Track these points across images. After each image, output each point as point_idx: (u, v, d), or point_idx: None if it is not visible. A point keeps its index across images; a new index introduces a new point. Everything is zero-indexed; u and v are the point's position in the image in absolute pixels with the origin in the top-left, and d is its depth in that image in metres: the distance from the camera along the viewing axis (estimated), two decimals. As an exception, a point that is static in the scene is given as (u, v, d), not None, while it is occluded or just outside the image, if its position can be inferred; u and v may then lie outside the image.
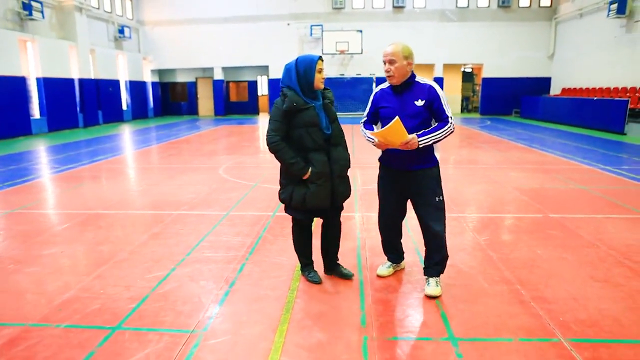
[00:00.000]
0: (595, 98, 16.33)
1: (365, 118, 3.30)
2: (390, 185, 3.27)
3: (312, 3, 22.83)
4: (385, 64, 3.03)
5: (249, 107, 26.46)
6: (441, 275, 3.29)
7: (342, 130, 3.22)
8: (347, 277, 3.44)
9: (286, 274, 3.57)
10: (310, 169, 3.04)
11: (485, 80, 23.43)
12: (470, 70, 27.54)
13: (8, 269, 3.73)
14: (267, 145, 3.09)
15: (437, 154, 3.18)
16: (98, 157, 10.01)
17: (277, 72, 23.56)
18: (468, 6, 22.58)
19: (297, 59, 3.07)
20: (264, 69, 24.65)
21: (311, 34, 22.65)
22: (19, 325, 2.82)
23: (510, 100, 23.04)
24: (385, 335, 2.69)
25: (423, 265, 3.34)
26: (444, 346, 2.56)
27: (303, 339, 2.64)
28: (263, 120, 21.66)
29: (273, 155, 3.09)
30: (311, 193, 3.05)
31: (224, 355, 2.50)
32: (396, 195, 3.27)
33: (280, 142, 3.05)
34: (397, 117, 2.86)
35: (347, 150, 3.24)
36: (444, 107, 3.02)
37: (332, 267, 3.50)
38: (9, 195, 6.40)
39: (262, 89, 27.08)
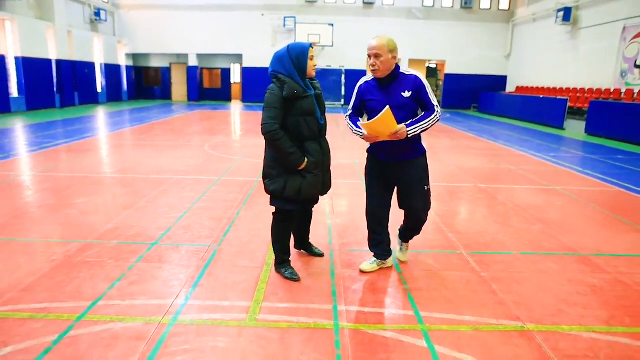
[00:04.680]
0: (541, 96, 18.10)
1: (351, 111, 3.26)
2: (378, 176, 3.27)
3: (286, -5, 23.78)
4: (370, 57, 3.00)
5: (222, 94, 27.17)
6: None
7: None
8: (317, 255, 3.67)
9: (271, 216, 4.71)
10: (306, 159, 3.00)
11: (447, 76, 25.03)
12: (434, 66, 29.15)
13: (50, 211, 4.73)
14: (265, 133, 2.92)
15: (424, 144, 3.23)
16: (87, 134, 10.81)
17: (250, 61, 24.45)
18: (433, 5, 24.03)
19: (288, 46, 3.02)
20: (238, 57, 25.42)
21: (284, 25, 23.58)
22: (80, 241, 3.87)
23: (470, 96, 24.74)
24: (345, 248, 3.91)
25: (398, 229, 3.62)
26: (384, 254, 3.80)
27: (288, 250, 3.82)
28: (235, 107, 22.53)
29: (270, 144, 2.97)
30: (308, 183, 3.00)
31: (235, 257, 3.65)
32: (384, 186, 3.28)
33: (280, 130, 2.91)
34: (387, 106, 2.85)
35: None
36: (430, 96, 3.02)
37: (304, 245, 3.70)
38: (21, 163, 7.25)
39: (235, 77, 27.83)
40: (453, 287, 3.22)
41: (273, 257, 3.49)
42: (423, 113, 3.06)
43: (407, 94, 3.02)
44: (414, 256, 3.77)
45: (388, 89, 3.08)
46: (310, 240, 3.74)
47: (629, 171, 8.03)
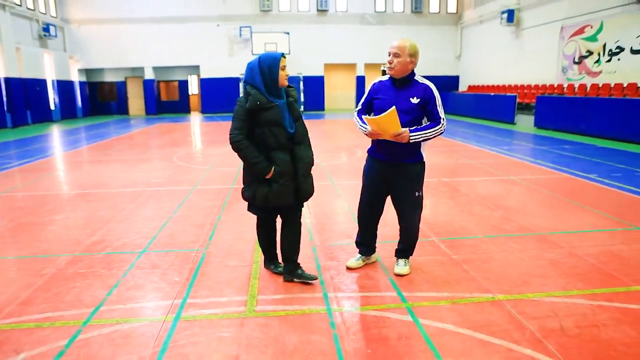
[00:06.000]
0: (492, 94, 19.07)
1: (360, 107, 3.33)
2: (374, 176, 3.35)
3: (240, 5, 23.91)
4: (389, 55, 3.10)
5: (181, 106, 26.92)
6: (410, 257, 3.58)
7: (305, 128, 3.21)
8: (309, 279, 3.32)
9: (254, 218, 4.91)
10: (273, 168, 3.04)
11: (402, 78, 25.81)
12: (389, 69, 29.99)
13: (30, 228, 4.74)
14: (230, 143, 3.04)
15: (424, 151, 3.29)
16: (48, 153, 10.60)
17: (208, 72, 24.42)
18: (385, 11, 24.83)
19: (259, 57, 3.05)
20: (195, 69, 25.31)
21: (240, 35, 23.72)
22: (68, 255, 3.95)
23: (425, 97, 25.61)
24: (326, 243, 4.17)
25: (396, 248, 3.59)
26: (363, 246, 4.09)
27: (274, 249, 4.04)
28: (195, 119, 22.43)
29: (237, 153, 3.07)
30: (274, 192, 3.04)
31: (224, 258, 3.84)
32: (378, 187, 3.36)
33: (244, 140, 3.00)
34: (393, 106, 2.92)
35: (310, 148, 3.22)
36: (438, 108, 3.11)
37: (292, 270, 3.34)
38: (-16, 184, 7.11)
39: (193, 88, 27.67)
40: (429, 270, 3.54)
41: (261, 255, 3.70)
42: (428, 122, 3.13)
43: (415, 100, 3.10)
44: (392, 246, 4.07)
45: (399, 92, 3.17)
46: (298, 260, 3.36)
47: (575, 159, 8.72)
